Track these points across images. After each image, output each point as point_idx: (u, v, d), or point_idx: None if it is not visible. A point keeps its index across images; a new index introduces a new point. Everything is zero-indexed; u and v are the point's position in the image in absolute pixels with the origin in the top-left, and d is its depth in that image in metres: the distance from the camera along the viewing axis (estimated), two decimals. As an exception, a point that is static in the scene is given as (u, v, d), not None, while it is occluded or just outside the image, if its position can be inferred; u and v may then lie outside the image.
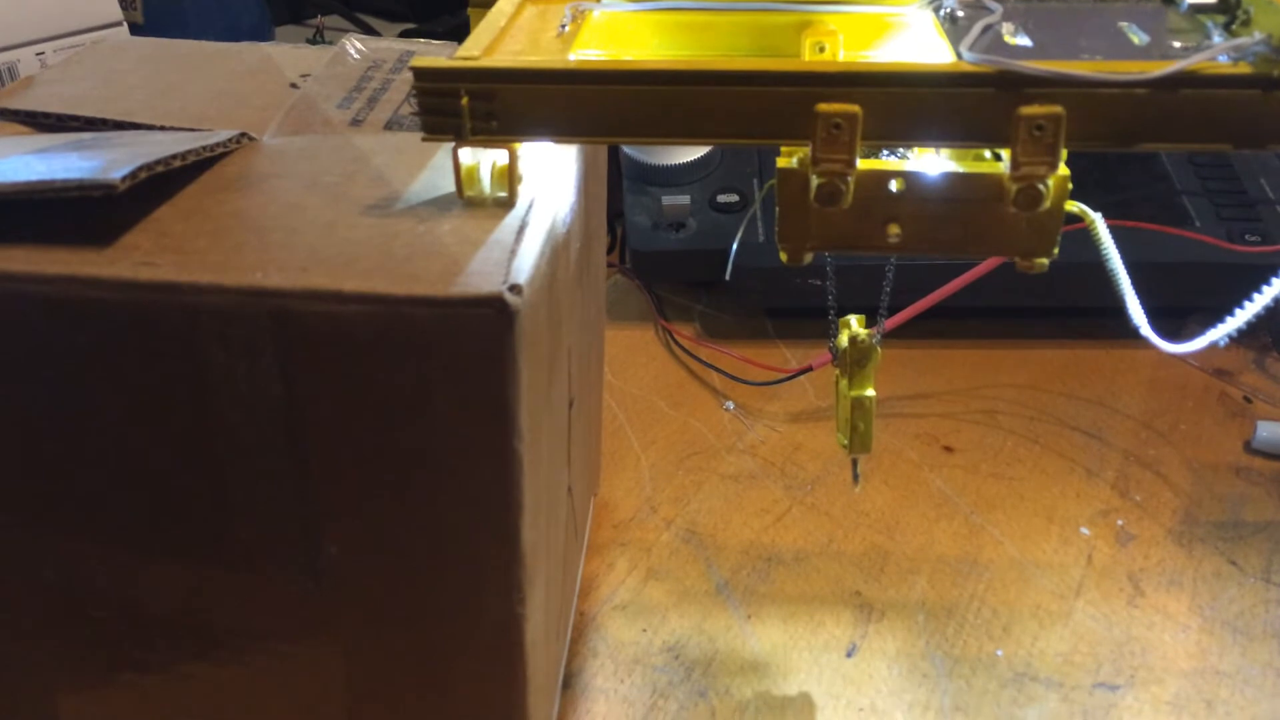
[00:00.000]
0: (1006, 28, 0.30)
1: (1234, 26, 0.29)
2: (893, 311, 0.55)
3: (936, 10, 0.31)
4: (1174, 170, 0.63)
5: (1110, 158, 0.63)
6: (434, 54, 0.39)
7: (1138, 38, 0.30)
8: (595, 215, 0.42)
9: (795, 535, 0.50)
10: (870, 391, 0.40)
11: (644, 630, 0.45)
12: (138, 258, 0.27)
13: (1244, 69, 0.27)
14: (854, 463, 0.43)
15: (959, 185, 0.29)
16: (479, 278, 0.27)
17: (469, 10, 0.34)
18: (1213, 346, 0.61)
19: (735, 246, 0.58)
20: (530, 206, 0.30)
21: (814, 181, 0.28)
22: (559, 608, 0.39)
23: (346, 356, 0.27)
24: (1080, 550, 0.49)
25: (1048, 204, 0.28)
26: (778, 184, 0.29)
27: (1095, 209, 0.63)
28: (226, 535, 0.30)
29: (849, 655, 0.44)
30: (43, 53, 0.77)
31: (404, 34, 0.96)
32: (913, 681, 0.43)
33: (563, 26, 0.32)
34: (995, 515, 0.51)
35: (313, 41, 0.93)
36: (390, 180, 0.31)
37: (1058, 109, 0.27)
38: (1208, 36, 0.29)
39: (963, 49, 0.28)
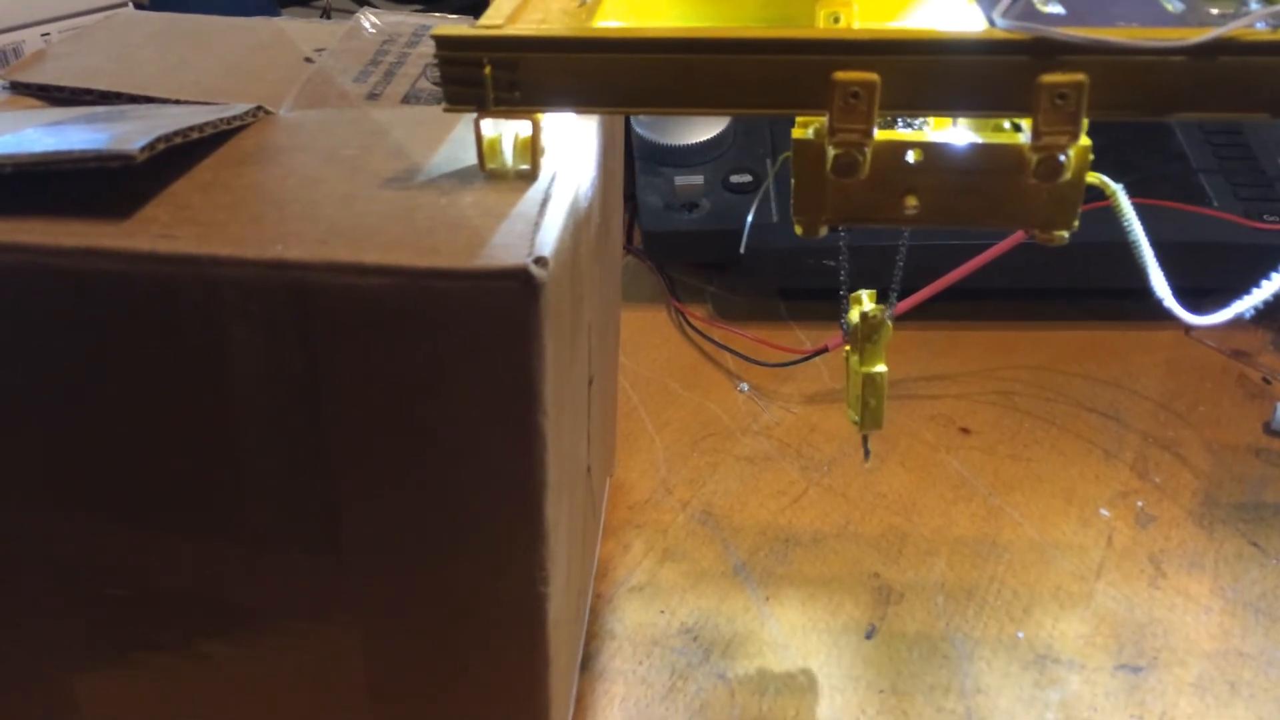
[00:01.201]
0: (1039, -5, 0.29)
1: (1272, -7, 0.28)
2: (909, 291, 0.55)
3: (966, -21, 0.31)
4: (1190, 149, 0.62)
5: (1126, 136, 0.63)
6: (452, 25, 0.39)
7: (1171, 5, 0.29)
8: (613, 191, 0.41)
9: (812, 516, 0.49)
10: (882, 367, 0.40)
11: (661, 612, 0.44)
12: (156, 230, 0.27)
13: (1284, 35, 0.26)
14: (864, 439, 0.43)
15: (978, 156, 0.28)
16: (503, 250, 0.26)
17: (488, -19, 0.33)
18: (1231, 328, 0.61)
19: (750, 221, 0.58)
20: (553, 179, 0.30)
21: (830, 152, 0.28)
22: (578, 588, 0.38)
23: (368, 330, 0.27)
24: (1100, 532, 0.48)
25: (1069, 175, 0.27)
26: (793, 155, 0.29)
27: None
28: (245, 512, 0.30)
29: (868, 637, 0.43)
30: (48, 33, 0.76)
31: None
32: (933, 664, 0.42)
33: (585, -3, 0.31)
34: (1014, 497, 0.50)
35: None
36: (409, 153, 0.31)
37: (1080, 76, 0.26)
38: (1244, 3, 0.29)
39: (995, 15, 0.28)
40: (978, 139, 0.28)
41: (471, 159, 0.30)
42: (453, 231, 0.27)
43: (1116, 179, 0.63)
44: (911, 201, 0.29)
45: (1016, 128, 0.29)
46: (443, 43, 0.28)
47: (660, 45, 0.28)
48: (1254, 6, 0.28)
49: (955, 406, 0.56)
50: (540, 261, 0.26)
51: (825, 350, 0.57)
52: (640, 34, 0.28)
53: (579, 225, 0.30)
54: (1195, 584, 0.46)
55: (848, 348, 0.40)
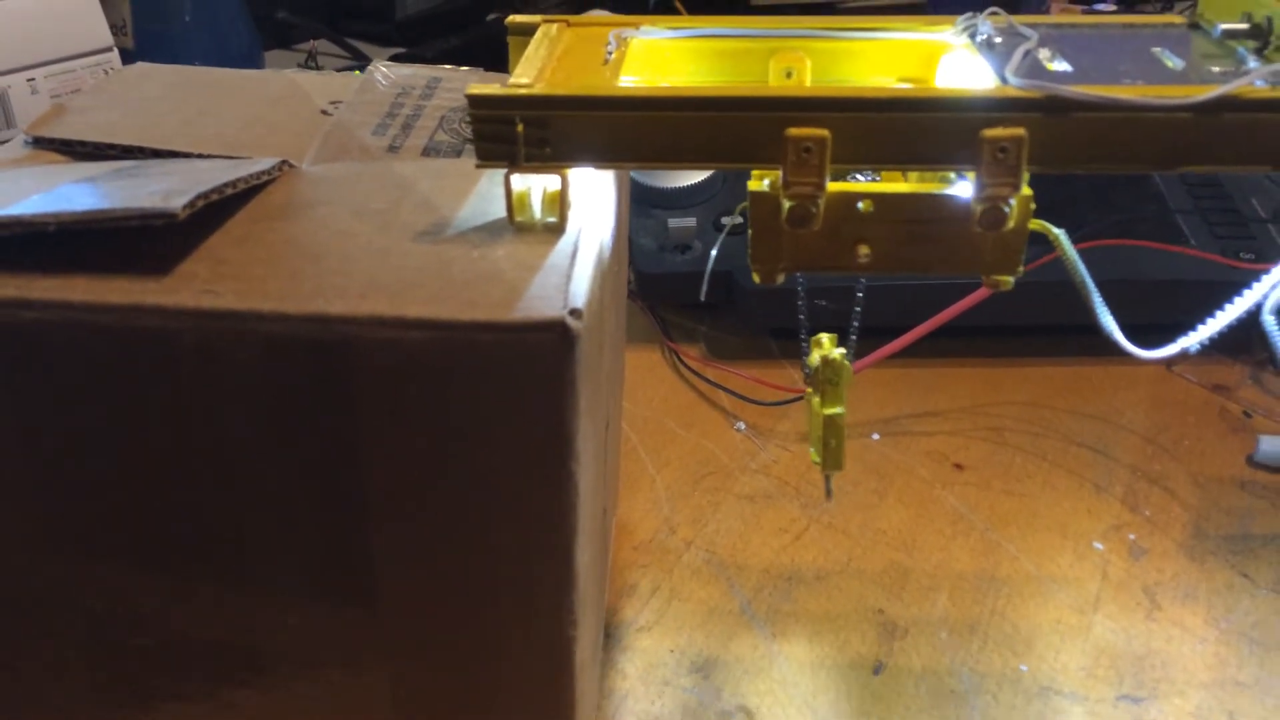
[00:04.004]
0: (1044, 53, 0.31)
1: (1268, 52, 0.30)
2: (899, 331, 0.56)
3: (973, 36, 0.32)
4: (1167, 190, 0.64)
5: (1104, 179, 0.64)
6: (464, 81, 0.40)
7: (1172, 62, 0.31)
8: (621, 238, 0.42)
9: (815, 554, 0.50)
10: (841, 409, 0.40)
11: (671, 651, 0.45)
12: (198, 286, 0.28)
13: (1283, 93, 0.28)
14: (827, 479, 0.43)
15: (926, 206, 0.30)
16: (540, 302, 0.27)
17: (509, 38, 0.34)
18: (1211, 363, 0.63)
19: (709, 267, 0.58)
20: (580, 231, 0.30)
21: (785, 204, 0.29)
22: (595, 634, 0.39)
23: (408, 382, 0.27)
24: (1095, 565, 0.49)
25: (1012, 224, 0.29)
26: (750, 207, 0.30)
27: (1093, 230, 0.64)
28: (281, 564, 0.30)
29: (876, 673, 0.44)
30: (34, 78, 0.77)
31: (393, 58, 0.96)
32: (941, 698, 0.43)
33: (609, 54, 0.32)
34: (1009, 531, 0.51)
35: (305, 67, 0.93)
36: (438, 206, 0.32)
37: (1020, 131, 0.27)
38: (1242, 62, 0.30)
39: (1007, 73, 0.29)
40: (926, 190, 0.30)
41: (499, 212, 0.31)
42: (488, 284, 0.28)
43: (1096, 221, 0.65)
44: (864, 250, 0.30)
45: (962, 178, 0.30)
46: (476, 102, 0.28)
47: (684, 104, 0.29)
48: (1252, 65, 0.30)
49: (948, 443, 0.57)
50: (575, 313, 0.27)
51: (820, 389, 0.58)
52: (666, 94, 0.30)
53: (603, 275, 0.31)
54: (1190, 615, 0.47)
55: (809, 389, 0.41)
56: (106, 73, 0.82)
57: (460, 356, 0.27)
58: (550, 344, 0.27)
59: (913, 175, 0.31)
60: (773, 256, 0.30)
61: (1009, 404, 0.60)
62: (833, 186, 0.29)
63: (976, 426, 0.58)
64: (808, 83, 0.32)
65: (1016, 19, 0.33)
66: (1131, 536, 0.51)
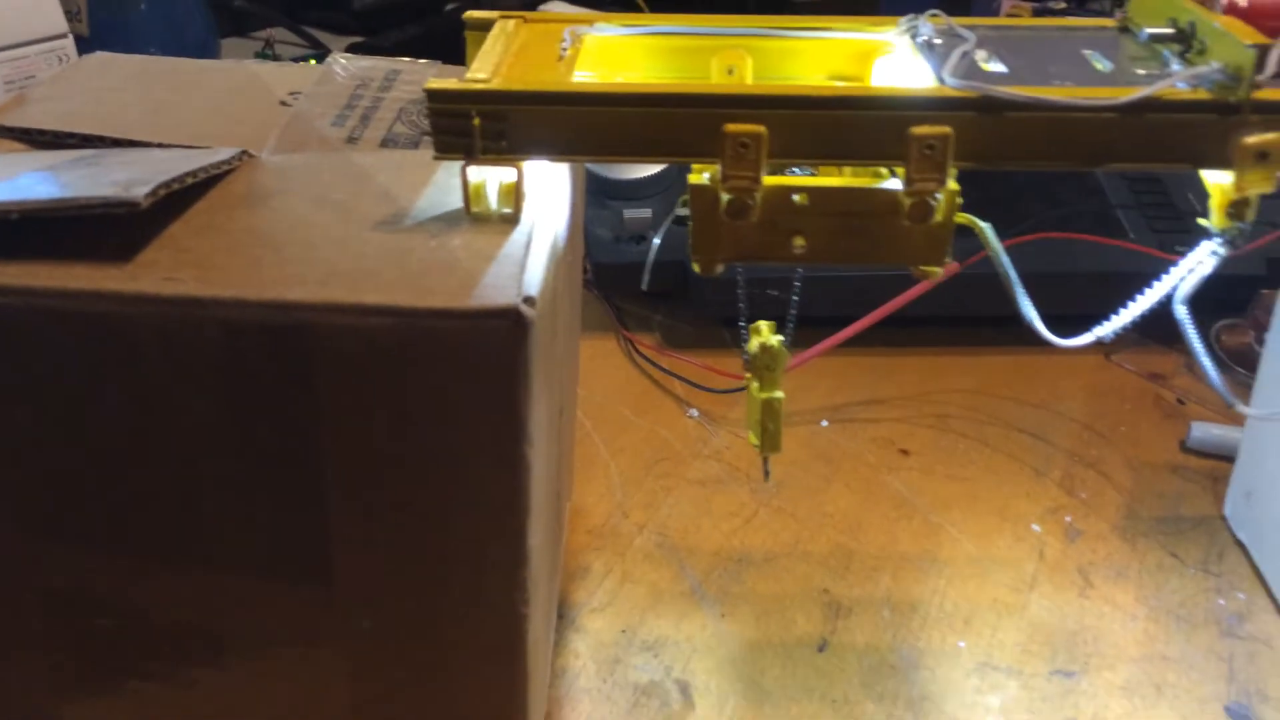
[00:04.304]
0: (980, 54, 0.32)
1: (1190, 55, 0.31)
2: (849, 320, 0.57)
3: (914, 37, 0.33)
4: (1108, 185, 0.66)
5: (1048, 175, 0.66)
6: (422, 73, 0.41)
7: (1101, 65, 0.32)
8: (576, 229, 0.43)
9: (763, 537, 0.51)
10: (779, 394, 0.42)
11: (623, 631, 0.46)
12: (160, 273, 0.28)
13: (1203, 95, 0.29)
14: (765, 461, 0.44)
15: (858, 200, 0.31)
16: (494, 290, 0.28)
17: (466, 33, 0.35)
18: (1147, 352, 0.65)
19: (651, 258, 0.60)
20: (534, 222, 0.31)
21: (724, 197, 0.30)
22: (548, 611, 0.40)
23: (366, 367, 0.28)
24: (1032, 546, 0.51)
25: (939, 217, 0.30)
26: (690, 199, 0.31)
27: (1037, 223, 0.66)
28: (239, 545, 0.31)
29: (820, 650, 0.46)
30: (-14, 64, 0.76)
31: (351, 47, 0.96)
32: (882, 674, 0.45)
33: (563, 50, 0.33)
34: (952, 514, 0.53)
35: (262, 55, 0.92)
36: (396, 197, 0.33)
37: (946, 129, 0.29)
38: (1166, 64, 0.32)
39: (945, 74, 0.30)
40: (858, 185, 0.31)
41: (455, 202, 0.32)
42: (445, 273, 0.29)
43: (1040, 214, 0.66)
44: (799, 242, 0.31)
45: (893, 174, 0.31)
46: (435, 96, 0.29)
47: (628, 100, 0.30)
48: (1175, 68, 0.31)
49: (895, 429, 0.59)
50: (529, 301, 0.28)
51: (771, 377, 0.59)
52: (613, 89, 0.31)
53: (556, 264, 0.32)
54: (1121, 593, 0.49)
55: (749, 375, 0.42)
56: (61, 59, 0.81)
57: (417, 342, 0.28)
58: (504, 331, 0.28)
59: (847, 170, 0.32)
60: (712, 247, 0.31)
61: (954, 392, 0.62)
62: (769, 180, 0.30)
63: (922, 414, 0.60)
64: (749, 80, 0.33)
65: (957, 20, 0.34)
66: (1068, 519, 0.53)
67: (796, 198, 0.30)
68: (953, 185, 0.29)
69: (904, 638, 0.46)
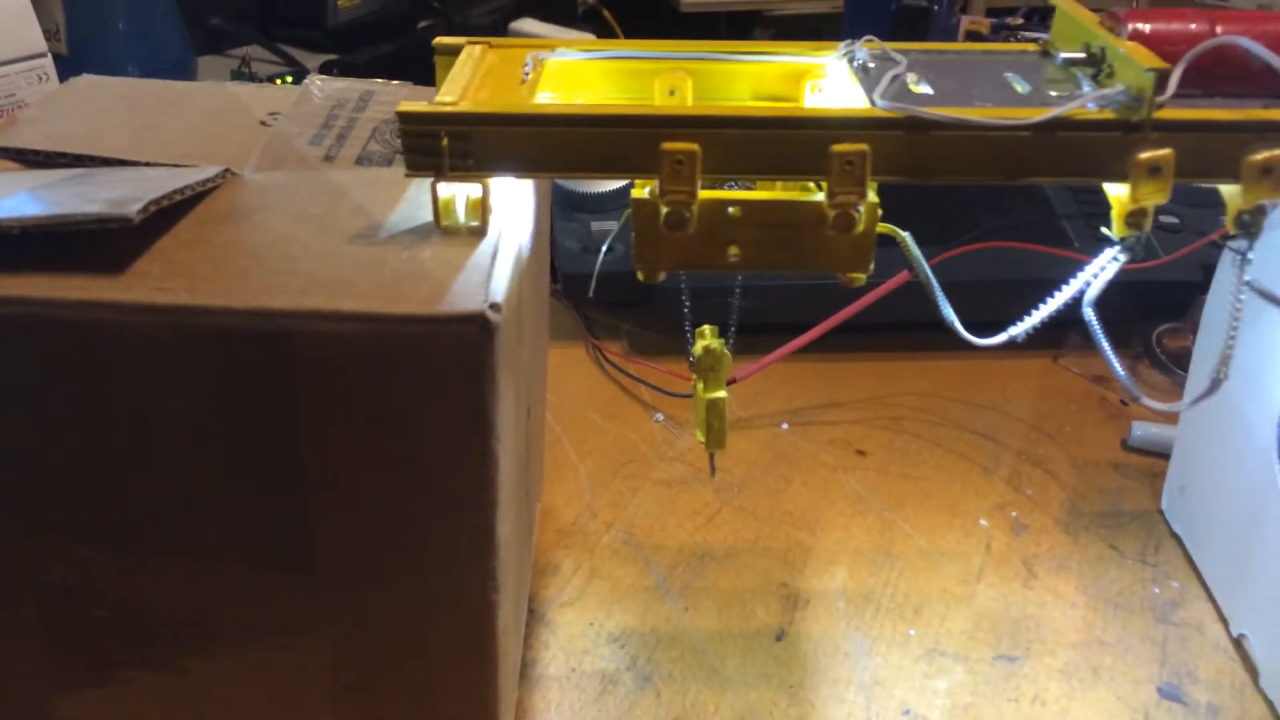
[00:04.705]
0: (911, 77, 0.35)
1: (1100, 78, 0.34)
2: (805, 328, 0.60)
3: (850, 61, 0.36)
4: (1055, 196, 0.69)
5: (996, 186, 0.69)
6: (394, 94, 0.43)
7: (1020, 87, 0.35)
8: (542, 240, 0.46)
9: (725, 534, 0.54)
10: (723, 394, 0.44)
11: (591, 624, 0.48)
12: (151, 284, 0.30)
13: (1108, 115, 0.32)
14: (711, 457, 0.47)
15: (787, 212, 0.34)
16: (462, 298, 0.30)
17: (435, 58, 0.38)
18: (1093, 356, 0.68)
19: (597, 269, 0.62)
20: (500, 234, 0.34)
21: (663, 210, 0.32)
22: (518, 603, 0.42)
23: (345, 369, 0.30)
24: (980, 540, 0.54)
25: (860, 227, 0.33)
26: (633, 213, 0.34)
27: (984, 233, 0.69)
28: (228, 536, 0.33)
29: (778, 640, 0.48)
30: (-36, 83, 0.78)
31: (325, 65, 0.99)
32: (836, 660, 0.47)
33: (525, 74, 0.36)
34: (905, 511, 0.56)
35: (238, 73, 0.94)
36: (370, 212, 0.35)
37: (863, 146, 0.31)
38: (1079, 86, 0.34)
39: (875, 96, 0.33)
40: (786, 198, 0.34)
41: (426, 216, 0.34)
42: (417, 282, 0.31)
43: (989, 223, 0.69)
44: (734, 251, 0.34)
45: (820, 188, 0.34)
46: (405, 118, 0.32)
47: (576, 121, 0.32)
48: (1086, 89, 0.34)
49: (851, 431, 0.61)
50: (494, 307, 0.30)
51: (733, 381, 0.62)
52: (562, 111, 0.33)
53: (521, 273, 0.35)
54: (1062, 583, 0.51)
55: (695, 376, 0.45)
56: (41, 78, 0.83)
57: (392, 346, 0.30)
58: (472, 334, 0.30)
59: (779, 184, 0.35)
60: (654, 257, 0.34)
61: (908, 395, 0.65)
62: (705, 194, 0.32)
63: (878, 416, 0.63)
64: (689, 101, 0.35)
65: (890, 45, 0.37)
66: (1014, 514, 0.56)
67: (731, 210, 0.33)
68: (873, 198, 0.32)
69: (858, 626, 0.49)
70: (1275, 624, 0.46)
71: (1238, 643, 0.48)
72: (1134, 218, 0.32)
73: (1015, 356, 0.67)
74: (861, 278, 0.34)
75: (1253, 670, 0.47)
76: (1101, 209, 0.70)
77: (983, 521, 0.55)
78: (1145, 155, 0.31)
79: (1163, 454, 0.58)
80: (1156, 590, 0.51)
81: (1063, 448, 0.60)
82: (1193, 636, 0.49)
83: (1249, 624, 0.48)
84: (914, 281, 0.59)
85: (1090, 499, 0.57)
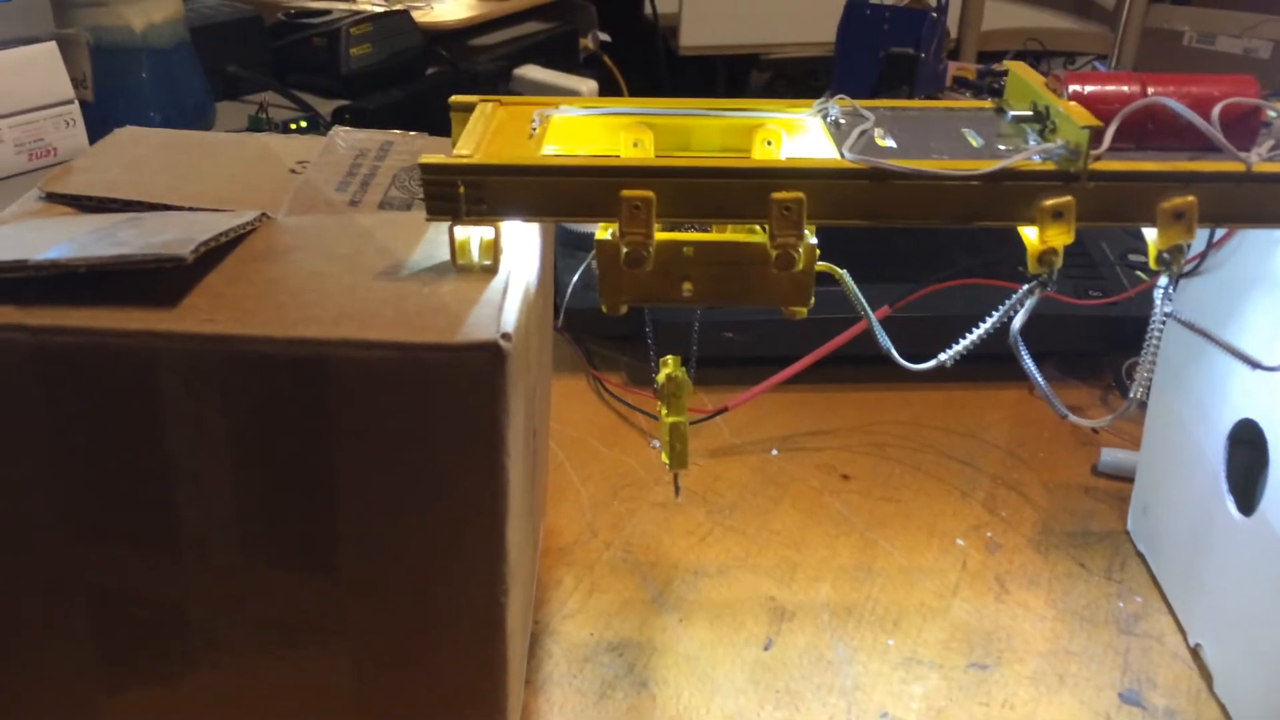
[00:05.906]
0: (878, 132, 0.39)
1: (1045, 133, 0.38)
2: (794, 359, 0.64)
3: (824, 117, 0.40)
4: (1029, 236, 0.73)
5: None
6: (412, 144, 0.47)
7: (975, 140, 0.39)
8: (546, 276, 0.50)
9: (717, 552, 0.57)
10: (683, 418, 0.48)
11: (591, 634, 0.52)
12: (201, 315, 0.34)
13: (1050, 166, 0.36)
14: (675, 477, 0.50)
15: (734, 251, 0.38)
16: (477, 328, 0.34)
17: (451, 114, 0.42)
18: (1065, 387, 0.71)
19: (565, 301, 0.66)
20: (510, 272, 0.38)
21: (622, 250, 0.36)
22: (524, 609, 0.46)
23: (372, 391, 0.34)
24: (956, 558, 0.57)
25: (800, 266, 0.37)
26: (597, 251, 0.38)
27: (960, 270, 0.73)
28: (262, 541, 0.37)
29: (766, 649, 0.51)
30: (-1, 128, 0.82)
31: (337, 110, 1.03)
32: (820, 668, 0.50)
33: (533, 129, 0.40)
34: (886, 531, 0.59)
35: (255, 118, 0.99)
36: (393, 251, 0.39)
37: (799, 194, 0.35)
38: (1026, 140, 0.38)
39: (845, 150, 0.37)
40: (735, 239, 0.38)
41: (444, 256, 0.38)
42: (436, 314, 0.35)
43: (967, 261, 0.73)
44: (688, 286, 0.38)
45: (765, 230, 0.38)
46: (427, 169, 0.36)
47: (550, 171, 0.36)
48: (1031, 143, 0.38)
49: (837, 457, 0.65)
50: (506, 336, 0.34)
51: (725, 410, 0.66)
52: (542, 162, 0.37)
53: (528, 307, 0.38)
54: (1033, 598, 0.55)
55: (659, 402, 0.48)
56: (68, 123, 0.88)
57: (414, 370, 0.34)
58: (485, 361, 0.34)
59: (730, 227, 0.39)
60: (615, 291, 0.38)
61: (891, 423, 0.68)
62: (661, 235, 0.36)
63: (862, 443, 0.67)
64: (651, 153, 0.40)
65: (861, 103, 0.41)
66: (989, 534, 0.59)
67: (685, 249, 0.37)
68: (810, 240, 0.36)
69: (840, 637, 0.52)
70: (1228, 634, 0.49)
71: (1195, 652, 0.52)
72: (1044, 256, 0.36)
73: (992, 388, 0.71)
74: (803, 311, 0.37)
75: (1208, 677, 0.50)
76: (1075, 248, 0.74)
77: (959, 541, 0.59)
78: (1049, 202, 0.35)
79: (1130, 479, 0.62)
80: (1121, 604, 0.55)
81: (1036, 472, 0.64)
82: (1153, 646, 0.52)
83: (1204, 634, 0.51)
84: (895, 317, 0.64)
85: (1061, 520, 0.60)
